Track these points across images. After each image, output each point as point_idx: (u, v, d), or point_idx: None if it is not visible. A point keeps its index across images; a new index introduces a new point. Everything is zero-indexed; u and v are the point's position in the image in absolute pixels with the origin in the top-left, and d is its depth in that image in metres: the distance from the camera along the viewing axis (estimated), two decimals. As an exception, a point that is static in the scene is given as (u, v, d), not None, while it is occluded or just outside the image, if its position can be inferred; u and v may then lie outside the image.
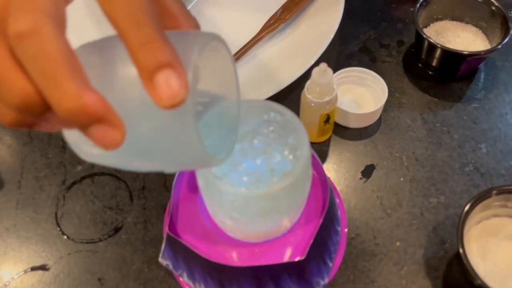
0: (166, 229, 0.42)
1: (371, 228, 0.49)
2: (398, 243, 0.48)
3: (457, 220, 0.42)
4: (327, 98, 0.49)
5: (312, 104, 0.50)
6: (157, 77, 0.21)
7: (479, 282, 0.40)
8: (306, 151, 0.36)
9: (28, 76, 0.21)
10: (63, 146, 0.57)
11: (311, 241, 0.40)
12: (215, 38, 0.26)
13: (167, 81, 0.21)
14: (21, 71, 0.21)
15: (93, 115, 0.20)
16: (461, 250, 0.42)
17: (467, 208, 0.43)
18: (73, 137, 0.26)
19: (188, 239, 0.43)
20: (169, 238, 0.43)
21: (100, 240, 0.50)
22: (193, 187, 0.46)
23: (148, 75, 0.21)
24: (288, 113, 0.38)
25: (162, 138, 0.25)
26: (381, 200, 0.51)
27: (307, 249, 0.40)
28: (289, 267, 0.40)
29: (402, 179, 0.53)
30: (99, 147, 0.22)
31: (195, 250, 0.40)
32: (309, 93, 0.50)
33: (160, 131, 0.24)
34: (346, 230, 0.49)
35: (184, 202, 0.45)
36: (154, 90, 0.21)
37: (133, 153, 0.26)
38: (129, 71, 0.23)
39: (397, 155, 0.55)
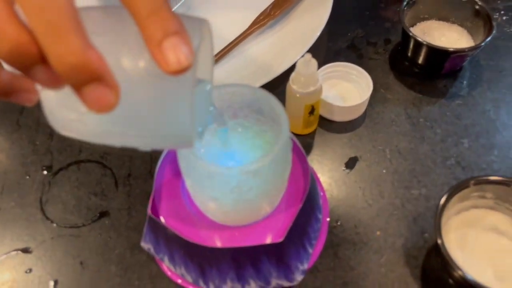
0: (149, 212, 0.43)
1: (352, 218, 0.50)
2: (378, 233, 0.49)
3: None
4: (311, 89, 0.50)
5: (297, 95, 0.51)
6: (166, 44, 0.21)
7: (457, 271, 0.40)
8: (285, 134, 0.37)
9: (23, 26, 0.21)
10: (51, 133, 0.58)
11: (290, 224, 0.41)
12: (207, 22, 0.27)
13: (175, 47, 0.21)
14: (16, 19, 0.21)
15: (94, 72, 0.20)
16: (439, 240, 0.42)
17: (444, 198, 0.44)
18: (51, 103, 0.26)
19: (169, 222, 0.44)
20: (150, 220, 0.43)
21: (84, 225, 0.50)
22: (176, 173, 0.46)
23: (156, 42, 0.21)
24: (271, 98, 0.39)
25: (151, 106, 0.25)
26: (363, 191, 0.52)
27: (286, 232, 0.40)
28: (268, 249, 0.41)
29: (384, 171, 0.53)
30: (91, 109, 0.21)
31: (176, 231, 0.41)
32: (294, 83, 0.51)
33: (152, 99, 0.25)
34: (328, 219, 0.49)
35: (167, 187, 0.46)
36: (161, 56, 0.21)
37: (115, 122, 0.26)
38: (128, 37, 0.23)
39: (381, 148, 0.55)
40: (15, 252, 0.49)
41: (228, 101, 0.41)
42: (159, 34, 0.21)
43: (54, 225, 0.50)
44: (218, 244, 0.42)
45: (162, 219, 0.44)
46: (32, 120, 0.59)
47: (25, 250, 0.49)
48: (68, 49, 0.20)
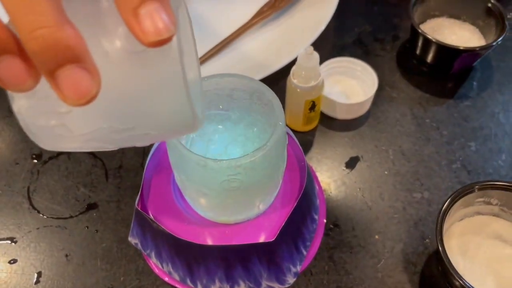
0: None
1: (350, 220, 0.48)
2: (377, 236, 0.47)
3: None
4: (312, 83, 0.48)
5: (298, 90, 0.49)
6: (141, 10, 0.18)
7: (458, 279, 0.38)
8: (280, 128, 0.35)
9: None
10: (43, 121, 0.56)
11: (283, 224, 0.39)
12: None
13: (152, 14, 0.18)
14: None
15: (71, 51, 0.17)
16: (439, 247, 0.40)
17: (447, 202, 0.42)
18: (27, 114, 0.22)
19: (157, 217, 0.42)
20: (137, 213, 0.41)
21: (71, 217, 0.49)
22: (167, 167, 0.44)
23: (131, 10, 0.18)
24: (267, 90, 0.37)
25: (139, 90, 0.22)
26: (363, 192, 0.50)
27: (278, 232, 0.38)
28: (259, 249, 0.39)
29: (386, 172, 0.51)
30: (68, 99, 0.18)
31: (162, 227, 0.39)
32: (295, 77, 0.49)
33: (139, 80, 0.21)
34: (324, 220, 0.47)
35: (157, 181, 0.44)
36: (137, 25, 0.18)
37: (102, 115, 0.22)
38: (103, 13, 0.20)
39: (383, 148, 0.53)
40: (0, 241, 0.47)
41: (223, 91, 0.39)
42: (134, 1, 0.18)
43: (41, 215, 0.49)
44: (207, 241, 0.40)
45: (150, 213, 0.42)
46: (24, 107, 0.57)
47: (10, 240, 0.47)
48: (43, 21, 0.17)
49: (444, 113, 0.56)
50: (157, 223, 0.39)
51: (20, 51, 0.18)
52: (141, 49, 0.20)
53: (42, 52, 0.17)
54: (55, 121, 0.22)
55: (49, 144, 0.24)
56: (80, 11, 0.21)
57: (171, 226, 0.41)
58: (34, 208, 0.49)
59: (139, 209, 0.40)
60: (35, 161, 0.53)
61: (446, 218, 0.42)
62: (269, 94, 0.37)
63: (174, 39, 0.20)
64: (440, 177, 0.51)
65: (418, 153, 0.53)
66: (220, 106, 0.39)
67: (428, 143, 0.53)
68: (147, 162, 0.44)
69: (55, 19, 0.17)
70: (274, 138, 0.34)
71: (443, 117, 0.56)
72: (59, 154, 0.53)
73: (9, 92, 0.21)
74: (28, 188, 0.51)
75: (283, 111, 0.36)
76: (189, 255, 0.40)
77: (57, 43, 0.17)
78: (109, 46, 0.21)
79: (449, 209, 0.42)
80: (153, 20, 0.18)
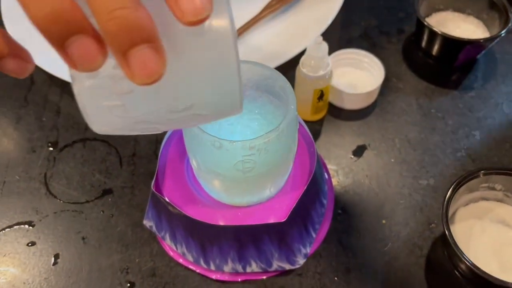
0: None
1: (358, 205, 0.49)
2: (384, 221, 0.48)
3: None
4: (321, 72, 0.49)
5: (307, 79, 0.50)
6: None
7: (465, 261, 0.39)
8: (292, 111, 0.36)
9: None
10: (58, 110, 0.58)
11: (293, 206, 0.40)
12: None
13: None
14: None
15: (144, 32, 0.18)
16: (446, 231, 0.41)
17: (452, 187, 0.43)
18: (86, 94, 0.23)
19: (172, 199, 0.43)
20: (153, 196, 0.43)
21: (87, 202, 0.50)
22: (181, 152, 0.46)
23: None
24: (280, 77, 0.38)
25: (196, 70, 0.23)
26: (370, 179, 0.51)
27: (289, 213, 0.40)
28: (270, 229, 0.40)
29: (393, 160, 0.52)
30: (136, 77, 0.19)
31: (178, 208, 0.40)
32: (304, 67, 0.50)
33: (195, 61, 0.23)
34: (333, 205, 0.49)
35: (171, 165, 0.45)
36: (176, 4, 0.19)
37: (159, 97, 0.24)
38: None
39: (390, 137, 0.54)
40: (18, 225, 0.49)
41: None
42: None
43: (58, 200, 0.50)
44: (220, 222, 0.41)
45: (165, 196, 0.43)
46: (40, 97, 0.59)
47: (28, 224, 0.49)
48: (120, 2, 0.18)
49: (449, 103, 0.57)
50: (173, 205, 0.41)
51: (92, 31, 0.19)
52: (200, 31, 0.21)
53: (118, 31, 0.18)
54: (115, 101, 0.24)
55: (101, 125, 0.25)
56: None
57: (185, 208, 0.42)
58: (51, 193, 0.51)
59: (155, 191, 0.42)
60: (51, 149, 0.54)
61: (452, 203, 0.43)
62: (281, 80, 0.38)
63: (229, 23, 0.22)
64: (445, 165, 0.52)
65: (423, 141, 0.54)
66: None
67: (434, 132, 0.55)
68: (161, 148, 0.45)
69: (131, 2, 0.18)
70: (286, 120, 0.36)
71: (448, 107, 0.57)
72: (74, 142, 0.55)
73: (71, 73, 0.23)
74: (45, 174, 0.52)
75: (294, 96, 0.37)
76: (203, 236, 0.42)
77: (134, 23, 0.18)
78: (171, 27, 0.22)
79: (454, 194, 0.43)
80: (191, 1, 0.19)
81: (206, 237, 0.42)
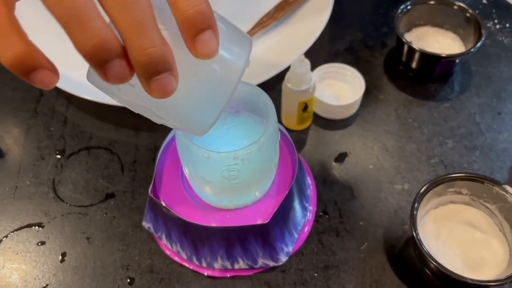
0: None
1: (338, 208, 0.54)
2: (361, 223, 0.52)
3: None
4: (304, 87, 0.54)
5: (292, 93, 0.55)
6: (201, 37, 0.25)
7: (431, 261, 0.44)
8: (272, 125, 0.41)
9: (106, 22, 0.23)
10: (65, 121, 0.63)
11: (276, 209, 0.45)
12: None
13: (206, 41, 0.26)
14: (101, 16, 0.22)
15: (168, 64, 0.24)
16: (414, 232, 0.45)
17: (420, 192, 0.47)
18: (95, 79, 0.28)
19: (168, 203, 0.48)
20: (151, 200, 0.48)
21: (91, 205, 0.55)
22: (176, 161, 0.51)
23: (191, 37, 0.25)
24: (262, 94, 0.43)
25: (189, 97, 0.29)
26: (350, 184, 0.56)
27: (271, 216, 0.44)
28: (255, 230, 0.45)
29: (371, 166, 0.57)
30: (154, 95, 0.25)
31: (173, 211, 0.45)
32: (288, 82, 0.55)
33: (195, 88, 0.29)
34: (315, 208, 0.53)
35: (167, 172, 0.50)
36: (193, 46, 0.26)
37: (148, 101, 0.29)
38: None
39: (370, 145, 0.59)
40: (29, 227, 0.54)
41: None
42: (195, 28, 0.25)
43: (65, 203, 0.55)
44: (211, 223, 0.46)
45: (161, 200, 0.48)
46: (48, 108, 0.64)
47: (38, 225, 0.54)
48: (151, 43, 0.23)
49: (426, 113, 0.62)
50: (168, 208, 0.46)
51: (125, 55, 0.24)
52: (211, 64, 0.27)
53: (147, 65, 0.24)
54: (118, 89, 0.29)
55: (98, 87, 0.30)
56: (168, 23, 0.27)
57: (179, 210, 0.47)
58: (58, 197, 0.56)
59: (152, 196, 0.47)
60: (59, 156, 0.59)
61: (420, 206, 0.48)
62: (264, 96, 0.43)
63: (242, 69, 0.29)
64: (419, 171, 0.56)
65: (400, 149, 0.58)
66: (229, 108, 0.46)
67: (410, 140, 0.59)
68: (158, 156, 0.50)
69: (159, 40, 0.24)
70: (267, 133, 0.40)
71: (424, 117, 0.61)
72: (80, 150, 0.60)
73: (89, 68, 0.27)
74: (53, 180, 0.57)
75: (275, 111, 0.42)
76: (195, 236, 0.46)
77: (160, 59, 0.24)
78: (183, 56, 0.27)
79: (423, 198, 0.48)
80: (207, 45, 0.26)
81: (198, 237, 0.46)
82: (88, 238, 0.52)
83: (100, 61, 0.23)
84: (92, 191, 0.56)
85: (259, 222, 0.46)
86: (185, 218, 0.45)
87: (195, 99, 0.30)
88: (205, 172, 0.42)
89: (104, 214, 0.54)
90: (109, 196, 0.56)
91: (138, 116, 0.32)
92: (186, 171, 0.45)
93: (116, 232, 0.53)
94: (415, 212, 0.47)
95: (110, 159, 0.59)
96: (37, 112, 0.64)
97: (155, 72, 0.24)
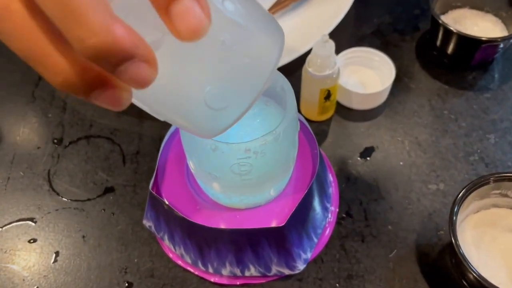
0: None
1: (363, 209, 0.47)
2: (390, 227, 0.46)
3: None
4: (327, 72, 0.48)
5: (313, 78, 0.49)
6: (174, 9, 0.18)
7: (471, 272, 0.38)
8: (290, 113, 0.35)
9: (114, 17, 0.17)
10: (64, 107, 0.58)
11: (293, 210, 0.39)
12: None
13: (184, 13, 0.18)
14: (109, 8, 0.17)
15: (124, 49, 0.17)
16: (453, 238, 0.40)
17: (461, 193, 0.41)
18: None
19: (171, 200, 0.42)
20: (151, 197, 0.42)
21: (89, 200, 0.50)
22: (180, 153, 0.45)
23: (164, 9, 0.18)
24: (280, 77, 0.37)
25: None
26: (377, 182, 0.49)
27: (287, 218, 0.39)
28: (269, 233, 0.39)
29: (401, 163, 0.51)
30: (130, 86, 0.19)
31: (175, 210, 0.40)
32: (310, 66, 0.49)
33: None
34: (337, 209, 0.47)
35: (171, 165, 0.45)
36: (171, 24, 0.18)
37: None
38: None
39: (399, 139, 0.53)
40: (20, 222, 0.49)
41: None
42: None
43: (60, 197, 0.50)
44: (218, 225, 0.40)
45: (163, 197, 0.43)
46: (47, 93, 0.59)
47: (30, 220, 0.49)
48: (89, 31, 0.16)
49: (463, 105, 0.55)
50: (170, 206, 0.40)
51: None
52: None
53: (98, 59, 0.17)
54: None
55: None
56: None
57: (183, 209, 0.41)
58: (54, 190, 0.51)
59: (153, 192, 0.41)
60: (56, 145, 0.54)
61: (460, 209, 0.42)
62: (282, 80, 0.37)
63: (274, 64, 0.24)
64: (456, 169, 0.50)
65: (434, 144, 0.52)
66: None
67: (446, 134, 0.53)
68: (161, 147, 0.45)
69: (100, 25, 0.17)
70: (284, 122, 0.35)
71: (461, 109, 0.55)
72: (79, 139, 0.55)
73: None
74: (49, 171, 0.52)
75: (294, 97, 0.36)
76: (200, 238, 0.41)
77: (109, 48, 0.17)
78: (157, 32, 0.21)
79: (463, 201, 0.42)
80: (185, 21, 0.18)
81: (203, 239, 0.41)
82: (83, 237, 0.47)
83: (111, 65, 0.18)
84: (91, 184, 0.51)
85: (273, 225, 0.40)
86: (189, 218, 0.39)
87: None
88: (212, 166, 0.36)
89: (102, 210, 0.49)
90: (109, 190, 0.50)
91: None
92: (191, 164, 0.39)
93: (114, 230, 0.47)
94: (454, 218, 0.41)
95: (111, 149, 0.54)
96: (35, 97, 0.59)
97: (113, 65, 0.17)
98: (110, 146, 0.54)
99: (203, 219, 0.41)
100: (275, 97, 0.40)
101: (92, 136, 0.55)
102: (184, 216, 0.39)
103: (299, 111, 0.55)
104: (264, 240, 0.40)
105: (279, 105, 0.40)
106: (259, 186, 0.39)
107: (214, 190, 0.40)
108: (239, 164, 0.35)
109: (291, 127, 0.36)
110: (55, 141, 0.55)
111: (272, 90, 0.39)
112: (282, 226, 0.38)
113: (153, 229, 0.45)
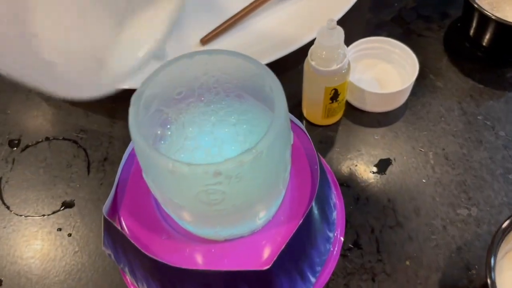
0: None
1: (375, 239, 0.39)
2: (408, 262, 0.38)
3: (490, 240, 0.31)
4: (334, 67, 0.39)
5: (316, 74, 0.40)
6: None
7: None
8: (278, 124, 0.26)
9: None
10: (26, 102, 0.50)
11: (283, 246, 0.30)
12: None
13: None
14: None
15: None
16: (489, 281, 0.32)
17: (506, 224, 0.34)
18: None
19: (131, 227, 0.34)
20: (106, 222, 0.34)
21: (43, 215, 0.42)
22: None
23: None
24: (268, 73, 0.28)
25: None
26: (393, 205, 0.41)
27: (274, 258, 0.30)
28: (250, 277, 0.31)
29: (424, 180, 0.42)
30: None
31: (131, 240, 0.31)
32: (313, 59, 0.40)
33: None
34: (342, 238, 0.38)
35: (136, 183, 0.36)
36: None
37: None
38: None
39: (422, 150, 0.44)
40: (-39, 241, 0.41)
41: (212, 73, 0.30)
42: None
43: (10, 211, 0.42)
44: (187, 262, 0.32)
45: (122, 221, 0.34)
46: (8, 85, 0.51)
47: (-28, 240, 0.41)
48: None
49: (502, 109, 0.47)
50: (126, 236, 0.31)
51: None
52: None
53: None
54: None
55: None
56: None
57: (146, 239, 0.33)
58: (3, 203, 0.43)
59: (106, 217, 0.33)
60: (11, 148, 0.46)
61: (502, 244, 0.33)
62: (270, 78, 0.28)
63: None
64: (493, 190, 0.42)
65: (466, 158, 0.44)
66: (202, 98, 0.31)
67: (480, 146, 0.45)
68: (123, 159, 0.36)
69: None
70: (269, 136, 0.26)
71: (499, 114, 0.47)
72: (38, 142, 0.47)
73: None
74: (0, 179, 0.44)
75: (285, 101, 0.27)
76: (163, 277, 0.32)
77: None
78: None
79: (507, 233, 0.34)
80: None
81: (167, 279, 0.32)
82: (32, 263, 0.39)
83: None
84: (48, 199, 0.43)
85: (258, 264, 0.31)
86: (149, 253, 0.31)
87: None
88: (173, 192, 0.28)
89: (57, 230, 0.41)
90: (67, 205, 0.42)
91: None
92: (151, 186, 0.31)
93: (69, 256, 0.39)
94: (493, 255, 0.33)
95: (74, 154, 0.46)
96: (-6, 90, 0.51)
97: None
98: (74, 150, 0.46)
99: (168, 254, 0.32)
100: (264, 99, 0.31)
101: (55, 138, 0.47)
102: (143, 251, 0.31)
103: (300, 113, 0.46)
104: (244, 285, 0.31)
105: (271, 111, 0.31)
106: (238, 217, 0.30)
107: (183, 219, 0.32)
108: (206, 191, 0.26)
109: (280, 141, 0.27)
110: (15, 143, 0.47)
111: (261, 89, 0.30)
112: (268, 270, 0.30)
113: (113, 258, 0.37)
